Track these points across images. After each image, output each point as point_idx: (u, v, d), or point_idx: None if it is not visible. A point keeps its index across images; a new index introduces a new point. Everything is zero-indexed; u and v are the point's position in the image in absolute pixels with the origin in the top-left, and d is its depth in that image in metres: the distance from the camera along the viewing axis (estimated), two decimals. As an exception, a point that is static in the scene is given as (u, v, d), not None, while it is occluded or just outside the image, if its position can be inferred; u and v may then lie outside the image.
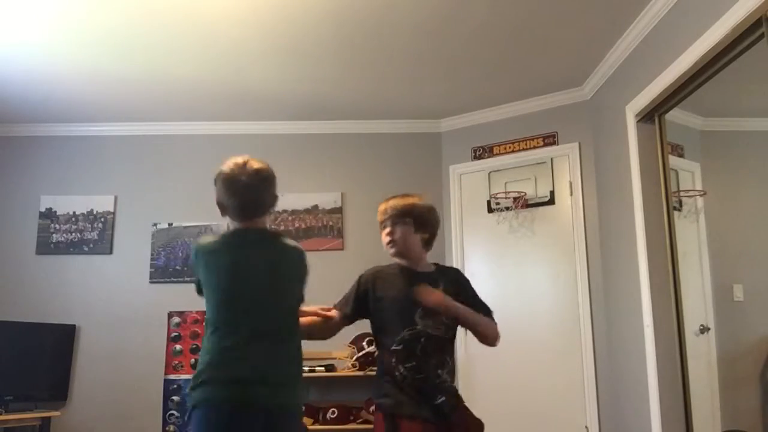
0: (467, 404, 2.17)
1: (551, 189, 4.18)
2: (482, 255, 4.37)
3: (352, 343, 4.20)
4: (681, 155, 3.84)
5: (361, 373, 4.09)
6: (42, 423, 3.99)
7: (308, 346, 4.55)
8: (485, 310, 2.22)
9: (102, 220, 4.55)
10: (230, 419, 1.79)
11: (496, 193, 4.32)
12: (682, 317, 3.14)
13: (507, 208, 4.27)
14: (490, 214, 4.36)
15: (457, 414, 2.10)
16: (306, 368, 4.17)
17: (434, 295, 2.06)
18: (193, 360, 4.35)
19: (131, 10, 3.06)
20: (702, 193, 3.93)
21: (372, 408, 2.54)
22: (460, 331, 2.22)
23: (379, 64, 3.72)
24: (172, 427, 4.28)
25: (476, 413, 2.17)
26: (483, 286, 2.52)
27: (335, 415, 4.06)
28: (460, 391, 2.19)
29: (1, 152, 4.61)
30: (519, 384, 3.86)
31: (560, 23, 3.25)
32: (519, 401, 3.99)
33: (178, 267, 4.49)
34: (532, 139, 4.29)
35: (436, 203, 4.64)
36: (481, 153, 4.49)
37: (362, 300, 2.33)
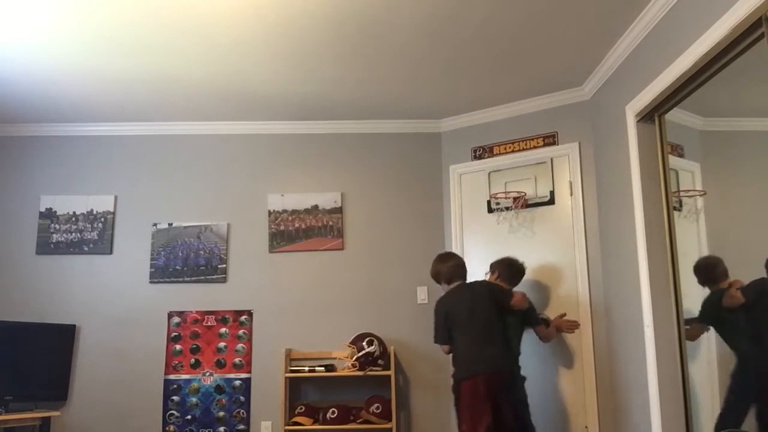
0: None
1: (551, 189, 4.18)
2: (482, 255, 4.37)
3: (352, 343, 4.20)
4: (681, 155, 3.84)
5: (360, 373, 4.10)
6: (42, 423, 4.00)
7: (308, 346, 4.57)
8: None
9: (102, 220, 4.55)
10: None
11: (496, 193, 4.32)
12: (682, 317, 3.14)
13: (507, 208, 4.27)
14: (490, 214, 4.37)
15: None
16: (306, 368, 4.20)
17: None
18: (193, 360, 4.36)
19: (132, 10, 3.06)
20: (702, 193, 3.92)
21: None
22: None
23: (380, 64, 3.72)
24: (172, 427, 4.28)
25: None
26: (483, 286, 2.53)
27: (335, 415, 4.06)
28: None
29: (1, 152, 4.62)
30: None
31: (560, 23, 3.25)
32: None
33: (178, 267, 4.49)
34: (532, 139, 4.29)
35: (436, 203, 4.71)
36: (481, 153, 4.49)
37: None
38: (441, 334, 3.58)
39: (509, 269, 3.85)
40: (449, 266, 3.68)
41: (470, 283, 3.71)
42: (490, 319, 3.45)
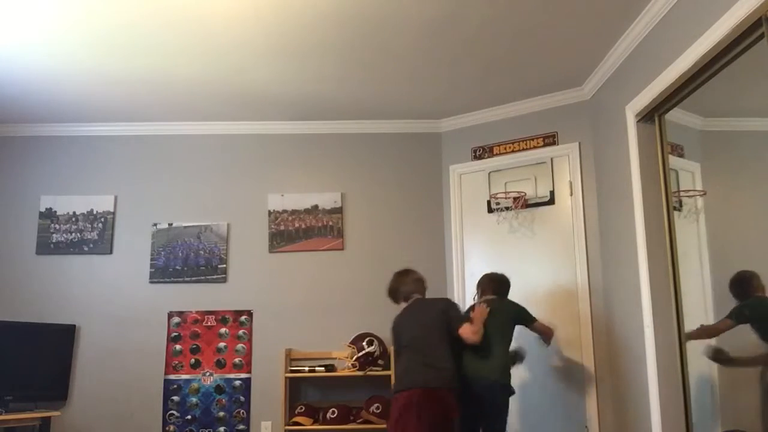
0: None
1: (551, 189, 4.18)
2: (482, 255, 4.37)
3: (351, 343, 4.20)
4: (681, 155, 3.84)
5: (361, 373, 4.09)
6: (42, 423, 4.00)
7: (308, 346, 4.57)
8: None
9: (102, 220, 4.55)
10: None
11: (496, 193, 4.32)
12: (682, 317, 3.14)
13: (507, 208, 4.27)
14: (490, 214, 4.37)
15: None
16: (306, 368, 4.19)
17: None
18: (193, 360, 4.36)
19: (131, 10, 3.06)
20: (702, 193, 3.92)
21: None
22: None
23: (380, 64, 3.72)
24: (172, 427, 4.28)
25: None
26: (483, 286, 2.52)
27: (335, 415, 4.06)
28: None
29: (1, 152, 4.62)
30: (519, 384, 3.86)
31: (560, 23, 3.25)
32: (519, 401, 3.99)
33: (178, 267, 4.49)
34: (532, 139, 4.29)
35: (436, 203, 4.71)
36: (481, 153, 4.49)
37: None
38: (396, 357, 3.34)
39: (490, 281, 3.67)
40: (408, 281, 3.46)
41: (428, 298, 3.50)
42: (435, 335, 3.17)
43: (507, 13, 3.14)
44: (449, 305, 3.39)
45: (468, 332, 3.16)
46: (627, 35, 3.32)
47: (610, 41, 3.45)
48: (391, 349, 4.22)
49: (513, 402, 3.57)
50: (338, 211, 4.59)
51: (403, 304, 3.47)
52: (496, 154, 4.42)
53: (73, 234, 4.53)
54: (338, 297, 4.48)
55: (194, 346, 4.40)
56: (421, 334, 3.18)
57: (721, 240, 3.94)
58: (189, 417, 4.30)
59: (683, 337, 3.13)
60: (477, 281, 3.84)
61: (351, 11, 3.10)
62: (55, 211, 4.55)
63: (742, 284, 3.11)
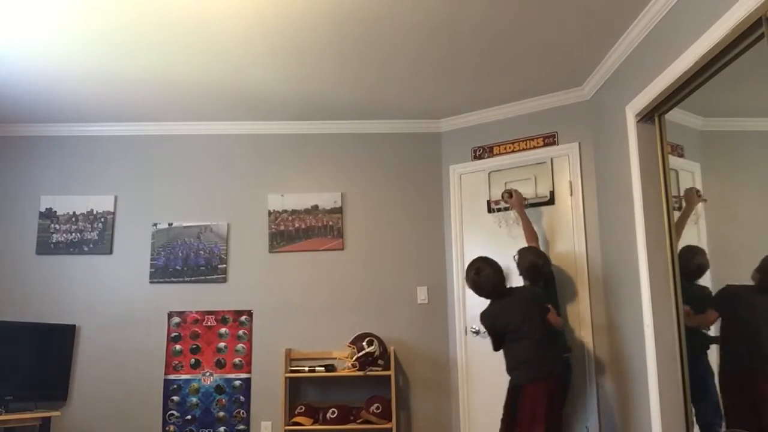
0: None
1: (551, 189, 4.18)
2: (482, 255, 4.36)
3: (352, 343, 4.20)
4: (681, 155, 3.84)
5: (361, 373, 4.10)
6: (42, 423, 4.00)
7: (308, 346, 4.57)
8: None
9: (102, 220, 4.55)
10: None
11: (498, 200, 4.32)
12: (682, 317, 3.14)
13: (507, 208, 4.27)
14: (490, 214, 4.37)
15: None
16: (306, 368, 4.19)
17: None
18: (193, 360, 4.36)
19: (131, 10, 3.06)
20: (702, 200, 3.92)
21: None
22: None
23: (379, 64, 3.72)
24: (172, 427, 4.28)
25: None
26: (483, 286, 2.52)
27: (335, 415, 4.06)
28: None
29: (1, 152, 4.62)
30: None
31: (560, 23, 3.25)
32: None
33: (178, 267, 4.49)
34: (532, 139, 4.29)
35: (436, 203, 4.70)
36: (481, 153, 4.49)
37: None
38: (495, 346, 3.55)
39: (527, 270, 3.74)
40: (489, 275, 3.53)
41: (517, 293, 3.58)
42: (540, 327, 3.40)
43: (507, 13, 3.14)
44: (535, 293, 3.61)
45: (556, 319, 3.53)
46: (627, 35, 3.32)
47: (610, 41, 3.45)
48: (391, 348, 4.23)
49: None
50: (338, 211, 4.59)
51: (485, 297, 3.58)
52: (496, 154, 4.42)
53: (73, 234, 4.53)
54: (338, 297, 4.49)
55: (194, 346, 4.40)
56: (528, 326, 3.39)
57: (721, 241, 3.93)
58: (189, 417, 4.30)
59: (683, 337, 3.13)
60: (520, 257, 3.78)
61: (351, 11, 3.10)
62: (55, 211, 4.55)
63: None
